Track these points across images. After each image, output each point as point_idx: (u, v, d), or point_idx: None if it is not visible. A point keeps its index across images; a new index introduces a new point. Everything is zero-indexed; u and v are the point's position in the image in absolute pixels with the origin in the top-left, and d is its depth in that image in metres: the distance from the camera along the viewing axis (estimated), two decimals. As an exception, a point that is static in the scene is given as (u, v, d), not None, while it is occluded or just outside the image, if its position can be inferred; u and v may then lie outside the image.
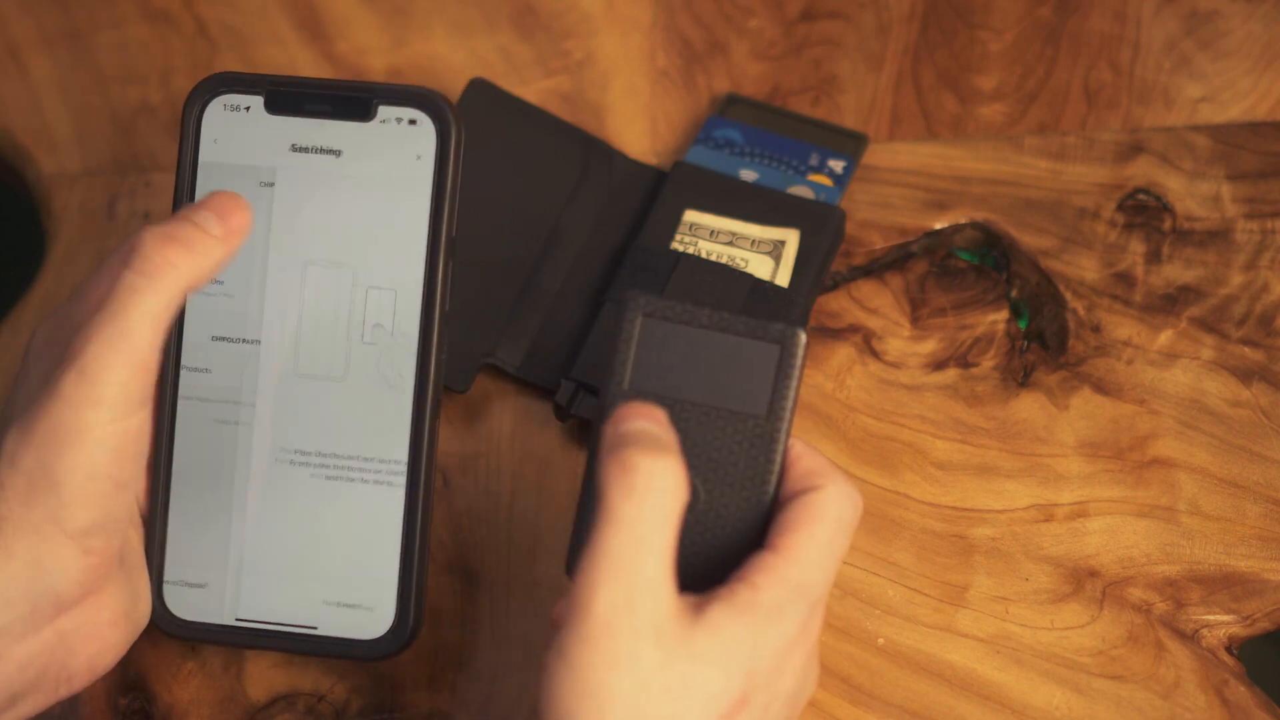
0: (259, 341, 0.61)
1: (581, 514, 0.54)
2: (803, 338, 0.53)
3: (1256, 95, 0.77)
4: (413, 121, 0.61)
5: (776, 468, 0.53)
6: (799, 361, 0.53)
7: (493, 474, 0.68)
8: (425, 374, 0.61)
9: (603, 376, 0.54)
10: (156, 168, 0.77)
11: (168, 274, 0.54)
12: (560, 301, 0.71)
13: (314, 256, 0.61)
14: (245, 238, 0.56)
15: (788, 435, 0.53)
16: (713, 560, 0.53)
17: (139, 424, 0.55)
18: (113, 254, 0.55)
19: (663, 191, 0.72)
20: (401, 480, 0.60)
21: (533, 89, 0.78)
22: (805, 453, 0.53)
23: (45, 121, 0.79)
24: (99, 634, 0.57)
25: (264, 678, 0.63)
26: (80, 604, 0.56)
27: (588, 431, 0.68)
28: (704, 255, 0.70)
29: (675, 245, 0.71)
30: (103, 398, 0.53)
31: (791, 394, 0.53)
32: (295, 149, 0.62)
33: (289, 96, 0.62)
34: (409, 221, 0.61)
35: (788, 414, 0.53)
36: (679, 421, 0.53)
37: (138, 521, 0.61)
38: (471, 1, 0.82)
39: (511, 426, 0.69)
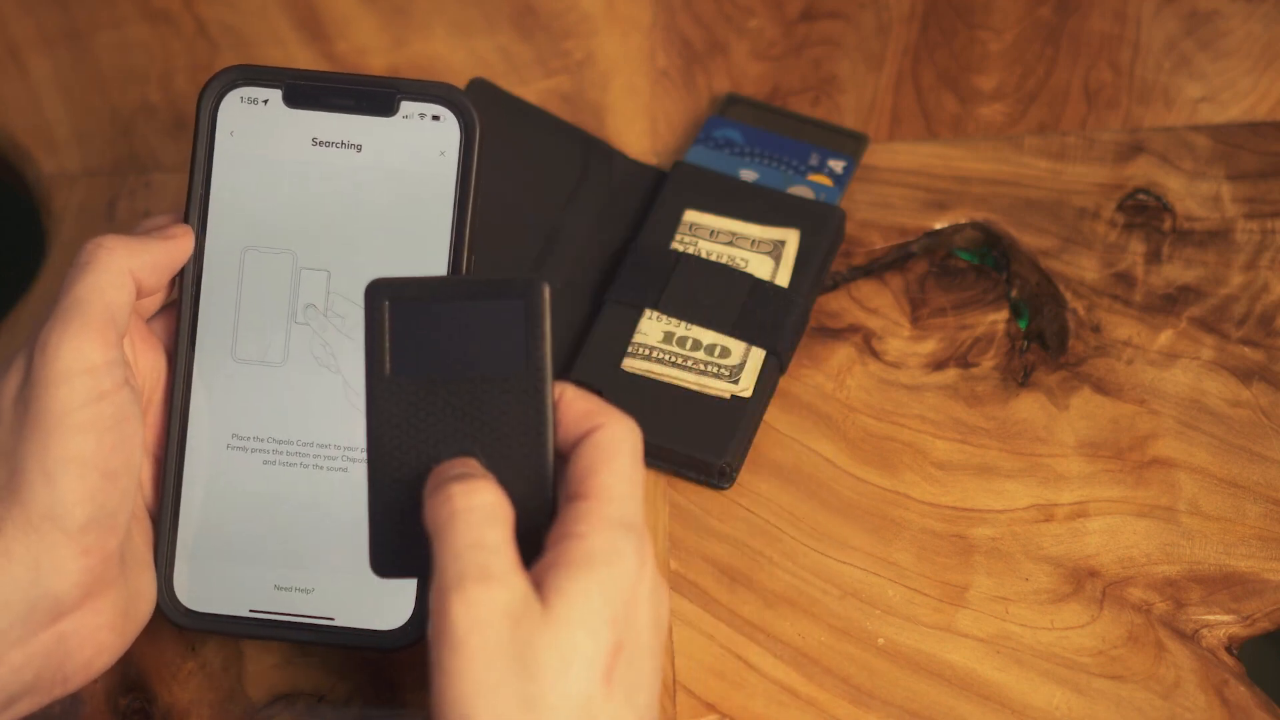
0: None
1: (377, 515, 0.54)
2: (544, 287, 0.53)
3: (1256, 95, 0.77)
4: (436, 117, 0.61)
5: (549, 419, 0.53)
6: (545, 310, 0.53)
7: (493, 474, 0.68)
8: None
9: (366, 369, 0.54)
10: (156, 168, 0.77)
11: (105, 257, 0.57)
12: (560, 302, 0.71)
13: (335, 250, 0.61)
14: (187, 248, 0.61)
15: (551, 385, 0.53)
16: (521, 528, 0.52)
17: (118, 408, 0.56)
18: None
19: (663, 191, 0.72)
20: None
21: (533, 89, 0.78)
22: (576, 397, 0.54)
23: (45, 121, 0.79)
24: (97, 637, 0.56)
25: (264, 678, 0.63)
26: (79, 608, 0.56)
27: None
28: (704, 255, 0.70)
29: (675, 245, 0.71)
30: (69, 370, 0.55)
31: (544, 344, 0.53)
32: (315, 143, 0.62)
33: (309, 90, 0.62)
34: (432, 216, 0.61)
35: (546, 365, 0.53)
36: (446, 397, 0.53)
37: (141, 515, 0.61)
38: (471, 1, 0.82)
39: (511, 426, 0.69)
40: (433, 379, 0.53)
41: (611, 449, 0.52)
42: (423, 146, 0.61)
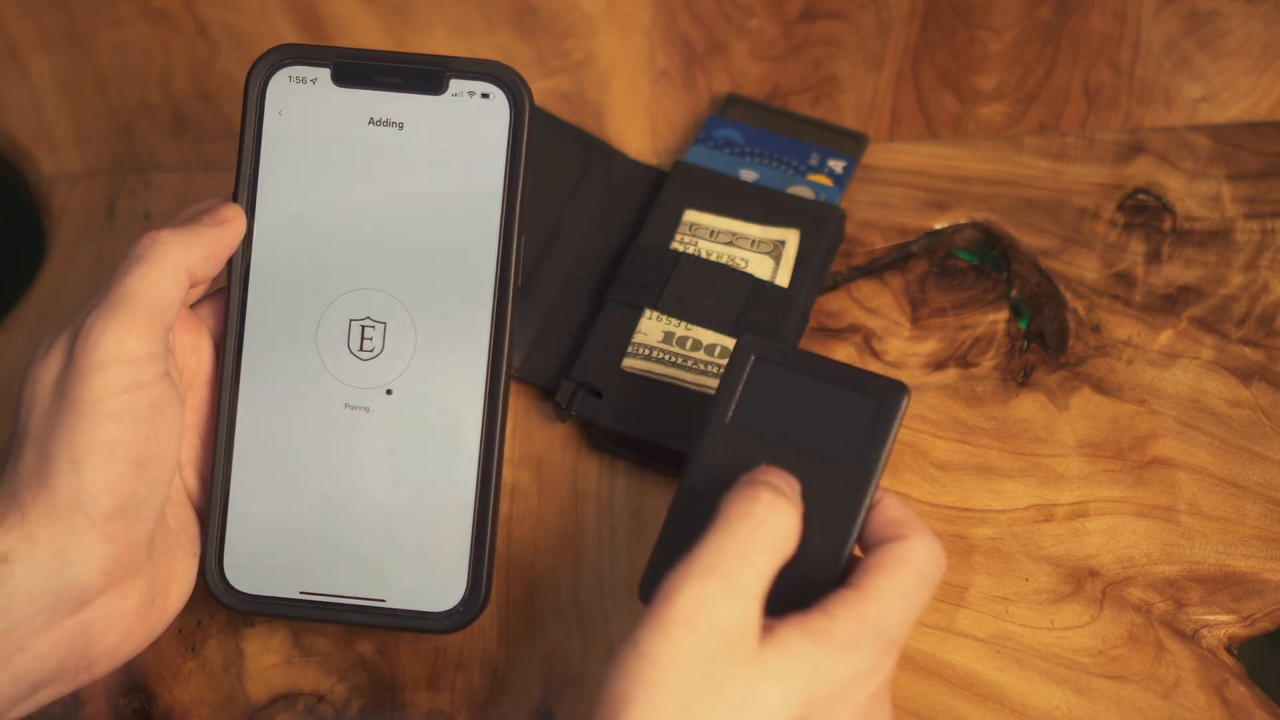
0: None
1: (664, 542, 0.56)
2: (905, 396, 0.55)
3: (1256, 95, 0.77)
4: (485, 95, 0.61)
5: (861, 516, 0.55)
6: (898, 417, 0.55)
7: (493, 474, 0.68)
8: (500, 346, 0.61)
9: (709, 409, 0.56)
10: (156, 168, 0.77)
11: (161, 252, 0.57)
12: (560, 301, 0.71)
13: (384, 228, 0.61)
14: (240, 230, 0.60)
15: (876, 486, 0.55)
16: (788, 595, 0.53)
17: (154, 398, 0.56)
18: None
19: (663, 191, 0.72)
20: (474, 455, 0.61)
21: (533, 89, 0.78)
22: (895, 504, 0.54)
23: (45, 121, 0.79)
24: (122, 624, 0.57)
25: (264, 678, 0.63)
26: (104, 595, 0.56)
27: (588, 432, 0.68)
28: (704, 255, 0.70)
29: (675, 245, 0.71)
30: (108, 359, 0.55)
31: (885, 447, 0.55)
32: (363, 121, 0.61)
33: (358, 69, 0.61)
34: (482, 194, 0.61)
35: (879, 466, 0.55)
36: (770, 458, 0.55)
37: (179, 501, 0.60)
38: (471, 1, 0.82)
39: (511, 426, 0.69)
40: (766, 439, 0.55)
41: (903, 560, 0.53)
42: (472, 124, 0.61)
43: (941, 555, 0.54)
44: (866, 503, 0.54)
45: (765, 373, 0.56)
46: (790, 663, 0.49)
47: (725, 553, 0.50)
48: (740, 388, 0.56)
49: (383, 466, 0.61)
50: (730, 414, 0.56)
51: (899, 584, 0.52)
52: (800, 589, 0.54)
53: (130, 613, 0.57)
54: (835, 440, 0.55)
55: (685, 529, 0.55)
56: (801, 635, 0.50)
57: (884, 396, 0.55)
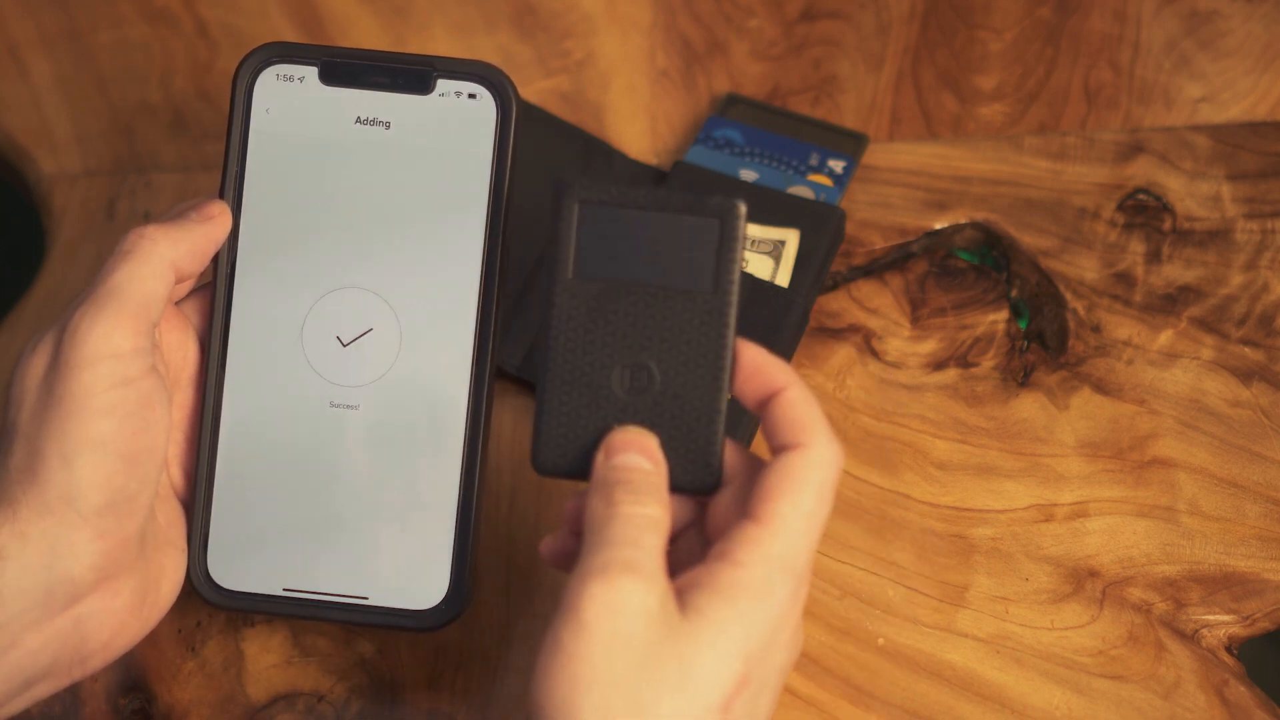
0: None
1: (549, 412, 0.54)
2: (742, 209, 0.53)
3: (1256, 95, 0.77)
4: (472, 96, 0.61)
5: (729, 341, 0.53)
6: (740, 233, 0.53)
7: (493, 473, 0.68)
8: (485, 345, 0.61)
9: (548, 268, 0.54)
10: (156, 168, 0.77)
11: (147, 247, 0.57)
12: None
13: (369, 227, 0.61)
14: (226, 226, 0.60)
15: (736, 308, 0.54)
16: (674, 439, 0.53)
17: (142, 394, 0.56)
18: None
19: (663, 191, 0.72)
20: (458, 454, 0.61)
21: (533, 89, 0.78)
22: (797, 399, 0.53)
23: (45, 121, 0.79)
24: (115, 619, 0.56)
25: (264, 678, 0.63)
26: (96, 590, 0.56)
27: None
28: (704, 255, 0.70)
29: (675, 245, 0.71)
30: (95, 355, 0.55)
31: (736, 265, 0.53)
32: (350, 120, 0.62)
33: (345, 68, 0.61)
34: (467, 195, 0.61)
35: (735, 286, 0.53)
36: (627, 304, 0.54)
37: (166, 496, 0.60)
38: (471, 1, 0.82)
39: (511, 426, 0.69)
40: (615, 285, 0.54)
41: (801, 477, 0.52)
42: (458, 124, 0.61)
43: (839, 455, 0.52)
44: (732, 326, 0.53)
45: (595, 216, 0.54)
46: (715, 627, 0.49)
47: (612, 543, 0.50)
48: (574, 237, 0.54)
49: (367, 464, 0.61)
50: (571, 268, 0.54)
51: (800, 506, 0.51)
52: (685, 432, 0.53)
53: (122, 608, 0.57)
54: (686, 271, 0.54)
55: (564, 396, 0.54)
56: (717, 597, 0.50)
57: (722, 215, 0.53)
